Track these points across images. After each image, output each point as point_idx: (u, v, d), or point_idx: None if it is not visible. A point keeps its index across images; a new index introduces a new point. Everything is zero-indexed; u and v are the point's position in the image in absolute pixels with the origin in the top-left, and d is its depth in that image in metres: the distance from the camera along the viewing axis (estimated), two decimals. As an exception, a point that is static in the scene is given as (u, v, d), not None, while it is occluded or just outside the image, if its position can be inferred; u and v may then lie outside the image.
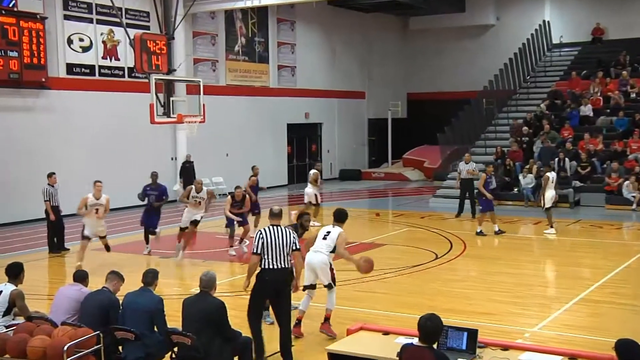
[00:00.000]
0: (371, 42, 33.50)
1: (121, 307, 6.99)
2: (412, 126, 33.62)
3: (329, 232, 8.70)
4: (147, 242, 14.37)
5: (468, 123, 25.79)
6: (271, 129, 27.74)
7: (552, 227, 16.09)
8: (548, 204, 16.01)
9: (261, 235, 7.62)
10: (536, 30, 29.83)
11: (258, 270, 7.67)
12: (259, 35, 27.21)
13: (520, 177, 21.09)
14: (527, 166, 21.17)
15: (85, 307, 7.14)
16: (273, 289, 7.66)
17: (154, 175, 14.50)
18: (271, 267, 7.58)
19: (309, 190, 17.95)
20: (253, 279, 7.71)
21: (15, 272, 7.65)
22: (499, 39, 32.33)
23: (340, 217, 8.77)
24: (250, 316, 7.68)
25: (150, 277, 7.12)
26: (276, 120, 27.94)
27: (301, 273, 8.08)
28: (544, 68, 29.37)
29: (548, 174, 16.28)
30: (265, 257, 7.59)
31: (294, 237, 7.72)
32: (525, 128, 23.25)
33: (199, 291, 6.92)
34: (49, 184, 14.54)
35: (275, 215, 7.87)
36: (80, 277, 7.62)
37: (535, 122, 23.85)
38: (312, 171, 18.29)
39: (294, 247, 7.68)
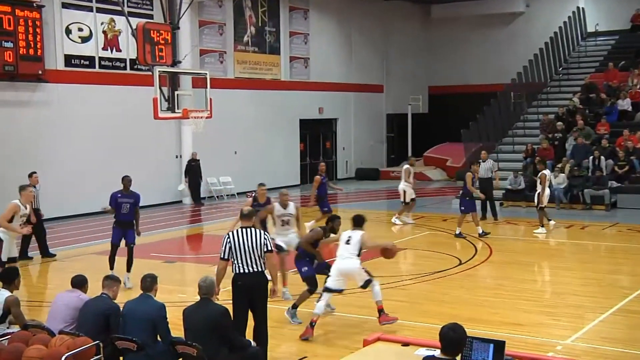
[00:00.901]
0: (390, 31, 33.43)
1: (121, 316, 7.01)
2: (433, 122, 33.53)
3: (350, 237, 9.26)
4: (112, 267, 11.93)
5: (494, 119, 25.68)
6: (283, 125, 27.77)
7: (542, 226, 16.61)
8: (544, 204, 16.64)
9: (228, 240, 7.79)
10: (569, 17, 29.64)
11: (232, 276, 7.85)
12: (269, 25, 27.24)
13: (551, 176, 20.95)
14: (559, 165, 21.05)
15: (84, 315, 7.18)
16: (247, 294, 7.76)
17: (127, 181, 12.09)
18: (242, 271, 7.74)
19: (400, 186, 18.17)
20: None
21: (10, 278, 7.70)
22: (528, 27, 32.16)
23: (358, 222, 9.43)
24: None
25: (149, 282, 7.15)
26: (288, 116, 27.96)
27: (277, 276, 8.25)
28: (577, 59, 29.18)
29: (545, 172, 16.90)
30: (236, 261, 7.77)
31: (265, 239, 7.84)
32: (559, 123, 23.10)
33: (199, 299, 6.95)
34: (30, 184, 14.45)
35: (245, 217, 7.98)
36: (79, 282, 7.66)
37: (567, 117, 23.70)
38: (405, 166, 18.26)
39: (265, 249, 7.80)
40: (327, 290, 9.22)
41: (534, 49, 27.71)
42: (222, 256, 7.83)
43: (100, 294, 7.38)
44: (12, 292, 7.57)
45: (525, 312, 10.16)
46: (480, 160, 18.95)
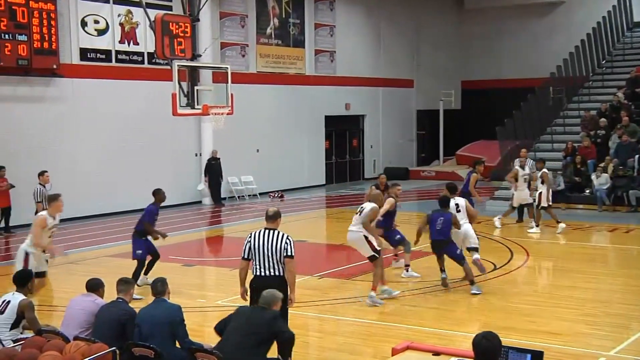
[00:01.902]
0: (421, 23, 33.33)
1: (136, 323, 7.07)
2: (467, 119, 33.36)
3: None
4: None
5: (532, 115, 25.46)
6: (307, 121, 27.81)
7: (537, 225, 17.13)
8: (546, 203, 17.04)
9: (249, 239, 7.95)
10: (614, 7, 29.30)
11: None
12: (293, 16, 27.30)
13: (593, 177, 20.76)
14: (602, 164, 20.82)
15: (100, 321, 7.25)
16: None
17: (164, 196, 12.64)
18: (259, 273, 7.85)
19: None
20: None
21: (23, 281, 7.80)
22: (568, 18, 31.86)
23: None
24: None
25: (160, 285, 7.23)
26: (313, 112, 28.00)
27: (294, 284, 8.05)
28: (622, 51, 28.83)
29: (545, 169, 17.26)
30: (254, 263, 7.89)
31: (286, 243, 7.84)
32: (602, 120, 22.85)
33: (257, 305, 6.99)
34: (40, 184, 14.65)
35: (270, 218, 8.05)
36: (94, 286, 7.74)
37: (611, 113, 23.43)
38: (544, 170, 17.61)
39: (285, 254, 7.81)
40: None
41: (575, 41, 27.43)
42: (243, 256, 7.99)
43: (116, 298, 7.45)
44: (26, 296, 7.67)
45: (564, 321, 10.07)
46: (518, 159, 18.76)
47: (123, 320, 7.14)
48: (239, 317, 6.85)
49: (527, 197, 17.51)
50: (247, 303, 7.67)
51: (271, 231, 7.94)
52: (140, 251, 12.03)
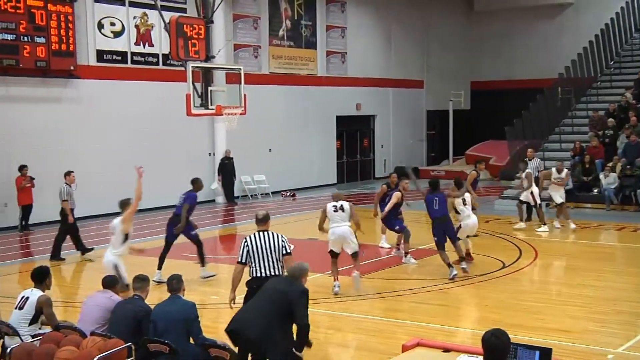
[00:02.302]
0: (431, 24, 33.26)
1: (151, 320, 7.10)
2: (476, 119, 33.26)
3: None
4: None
5: (541, 115, 25.36)
6: (319, 121, 27.81)
7: (544, 224, 17.17)
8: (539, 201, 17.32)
9: (246, 243, 8.06)
10: (622, 8, 29.13)
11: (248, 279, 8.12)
12: (305, 18, 27.31)
13: (601, 176, 20.65)
14: (610, 164, 20.71)
15: (115, 317, 7.28)
16: None
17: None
18: (259, 275, 7.98)
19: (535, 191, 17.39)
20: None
21: (41, 277, 7.85)
22: (577, 19, 31.71)
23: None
24: None
25: (175, 282, 7.23)
26: (324, 112, 28.00)
27: None
28: (630, 52, 28.66)
29: (529, 170, 17.62)
30: (253, 265, 8.03)
31: (283, 242, 8.09)
32: (610, 120, 22.73)
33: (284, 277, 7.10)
34: (66, 183, 14.79)
35: (260, 221, 8.25)
36: (110, 282, 7.77)
37: (619, 113, 23.30)
38: (527, 170, 17.68)
39: (284, 252, 8.03)
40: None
41: (584, 42, 27.30)
42: (239, 260, 8.08)
43: (132, 295, 7.48)
44: (43, 292, 7.71)
45: (572, 318, 10.03)
46: (527, 159, 18.77)
47: (139, 316, 7.16)
48: (266, 285, 6.95)
49: (535, 197, 17.39)
50: (236, 309, 7.52)
51: (265, 232, 8.12)
52: (193, 232, 12.82)
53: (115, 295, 7.63)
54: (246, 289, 8.10)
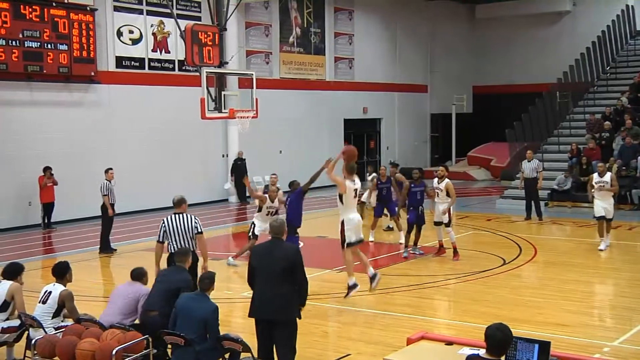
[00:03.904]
0: (435, 31, 33.21)
1: (174, 311, 7.08)
2: (478, 122, 33.18)
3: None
4: None
5: (540, 118, 25.29)
6: (327, 124, 27.81)
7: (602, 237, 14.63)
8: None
9: (163, 225, 8.97)
10: (618, 16, 29.01)
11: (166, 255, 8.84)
12: (314, 26, 27.31)
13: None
14: (607, 165, 20.57)
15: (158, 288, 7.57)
16: None
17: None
18: (175, 250, 8.65)
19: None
20: None
21: (61, 272, 7.87)
22: (574, 26, 31.61)
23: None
24: None
25: (207, 282, 7.15)
26: (332, 116, 28.00)
27: (207, 255, 9.11)
28: (626, 58, 28.53)
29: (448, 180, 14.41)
30: (171, 243, 8.87)
31: (195, 222, 8.96)
32: (607, 123, 22.63)
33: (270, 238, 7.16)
34: (106, 179, 14.91)
35: (176, 204, 9.08)
36: (139, 275, 7.82)
37: (615, 117, 23.20)
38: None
39: (196, 231, 8.91)
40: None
41: (581, 48, 27.20)
42: (158, 239, 8.98)
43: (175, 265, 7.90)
44: (65, 286, 7.74)
45: (570, 313, 10.00)
46: (525, 160, 18.73)
47: (182, 285, 7.41)
48: (261, 254, 7.05)
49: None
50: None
51: (180, 215, 8.96)
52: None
53: (143, 287, 7.68)
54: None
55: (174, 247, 8.82)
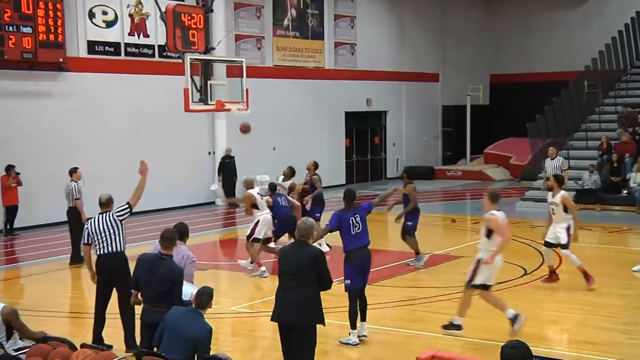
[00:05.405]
0: (447, 14, 33.23)
1: (163, 325, 6.98)
2: (495, 115, 33.23)
3: None
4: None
5: (565, 111, 25.33)
6: (326, 118, 27.82)
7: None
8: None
9: (86, 226, 9.50)
10: (653, -5, 29.08)
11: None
12: (312, 7, 27.31)
13: (633, 175, 20.53)
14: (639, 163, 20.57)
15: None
16: (106, 274, 9.28)
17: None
18: (102, 252, 9.27)
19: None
20: None
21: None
22: (604, 7, 31.65)
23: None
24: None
25: (206, 300, 7.09)
26: (332, 108, 28.00)
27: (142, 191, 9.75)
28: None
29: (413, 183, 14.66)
30: (96, 244, 9.30)
31: (117, 211, 9.45)
32: (641, 115, 22.68)
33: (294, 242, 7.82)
34: (73, 181, 14.81)
35: (102, 204, 9.61)
36: (173, 239, 8.08)
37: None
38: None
39: (121, 213, 9.43)
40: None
41: (612, 32, 27.24)
42: (83, 242, 9.55)
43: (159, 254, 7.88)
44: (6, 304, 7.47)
45: (598, 329, 10.00)
46: (548, 157, 18.73)
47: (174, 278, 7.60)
48: (287, 257, 7.59)
49: None
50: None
51: (105, 214, 9.43)
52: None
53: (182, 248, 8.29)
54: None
55: (100, 248, 9.31)
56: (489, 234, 9.83)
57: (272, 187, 14.78)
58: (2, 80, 18.82)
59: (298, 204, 15.38)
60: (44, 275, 14.21)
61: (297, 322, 7.36)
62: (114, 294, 9.37)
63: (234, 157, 23.33)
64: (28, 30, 18.76)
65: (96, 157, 20.31)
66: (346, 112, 28.80)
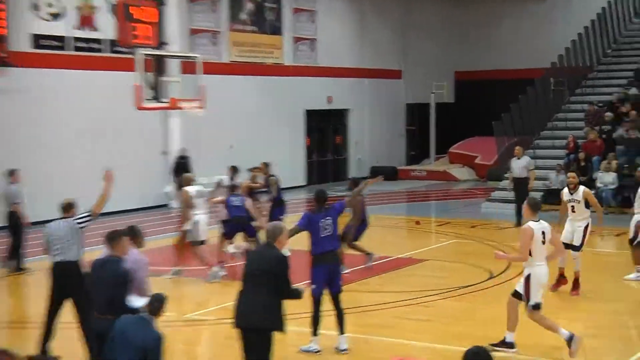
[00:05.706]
0: (409, 8, 33.35)
1: (112, 331, 6.87)
2: (460, 113, 33.45)
3: None
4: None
5: (531, 109, 25.57)
6: (286, 116, 27.75)
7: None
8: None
9: (44, 233, 9.40)
10: (620, -9, 29.50)
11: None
12: (270, 0, 27.20)
13: (599, 175, 20.74)
14: (612, 161, 20.76)
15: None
16: (59, 281, 9.16)
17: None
18: (58, 260, 9.14)
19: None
20: None
21: None
22: (572, 3, 32.00)
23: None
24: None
25: (157, 305, 6.97)
26: (292, 106, 27.94)
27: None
28: (629, 39, 29.00)
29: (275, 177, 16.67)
30: (51, 251, 9.22)
31: (78, 218, 9.36)
32: (608, 114, 22.92)
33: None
34: (12, 183, 14.53)
35: (64, 209, 9.52)
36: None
37: (618, 107, 23.53)
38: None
39: (81, 222, 9.35)
40: None
41: (578, 27, 27.57)
42: (44, 248, 9.44)
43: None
44: None
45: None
46: (515, 157, 18.86)
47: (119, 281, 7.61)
48: (252, 258, 7.67)
49: None
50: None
51: (65, 220, 9.30)
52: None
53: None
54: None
55: (55, 256, 9.16)
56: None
57: (232, 187, 14.83)
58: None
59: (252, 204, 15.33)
60: (14, 282, 13.95)
61: (252, 325, 7.30)
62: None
63: (188, 156, 23.13)
64: (-32, 22, 18.42)
65: (41, 157, 19.97)
66: (306, 110, 28.77)
